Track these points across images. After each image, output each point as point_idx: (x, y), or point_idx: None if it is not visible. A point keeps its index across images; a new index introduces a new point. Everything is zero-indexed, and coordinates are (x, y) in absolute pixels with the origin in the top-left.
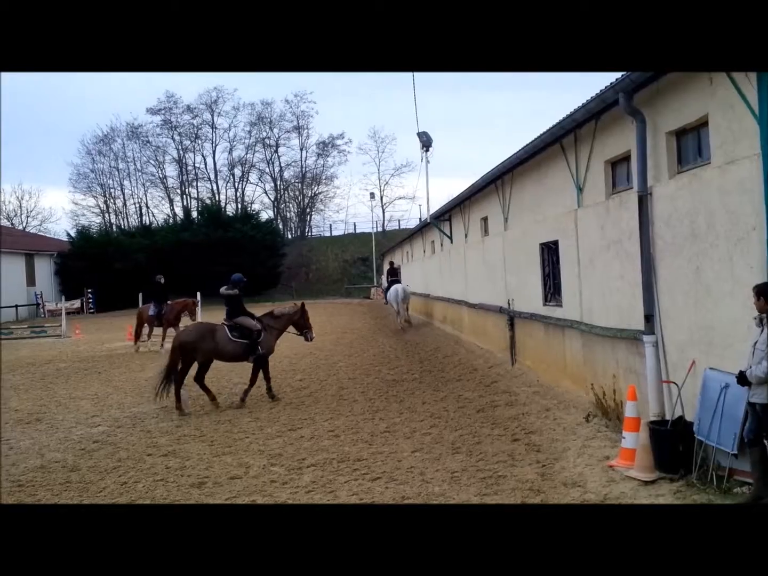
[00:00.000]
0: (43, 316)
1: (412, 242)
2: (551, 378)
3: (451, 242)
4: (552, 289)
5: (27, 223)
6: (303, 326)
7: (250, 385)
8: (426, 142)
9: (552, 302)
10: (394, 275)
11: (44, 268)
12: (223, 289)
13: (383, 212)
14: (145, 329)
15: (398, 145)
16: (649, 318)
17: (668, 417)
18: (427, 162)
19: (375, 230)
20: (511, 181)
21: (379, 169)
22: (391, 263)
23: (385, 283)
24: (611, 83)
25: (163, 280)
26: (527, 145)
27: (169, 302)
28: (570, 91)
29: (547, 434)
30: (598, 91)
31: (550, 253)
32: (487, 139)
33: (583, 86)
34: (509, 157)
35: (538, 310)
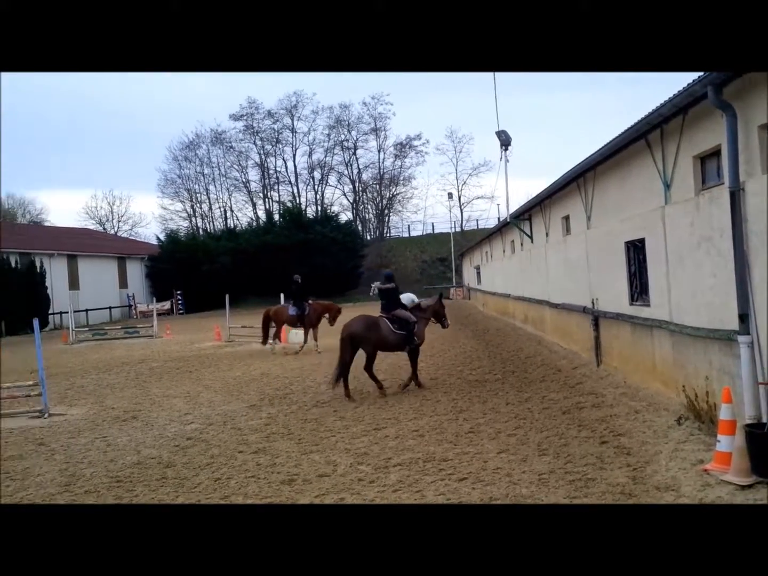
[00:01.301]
0: (135, 317)
1: (492, 242)
2: (639, 379)
3: (532, 242)
4: (638, 288)
5: (118, 227)
6: (441, 315)
7: (414, 372)
8: (505, 140)
9: (639, 302)
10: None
11: (135, 271)
12: (378, 284)
13: (461, 212)
14: (268, 328)
15: (476, 144)
16: (743, 318)
17: (765, 419)
18: (506, 161)
19: (453, 230)
20: (594, 178)
21: (456, 169)
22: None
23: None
24: (699, 77)
25: (300, 280)
26: (610, 141)
27: (310, 302)
28: (647, 89)
29: (636, 437)
30: (686, 85)
31: (636, 251)
32: (565, 137)
33: (664, 84)
34: (592, 155)
35: (624, 309)
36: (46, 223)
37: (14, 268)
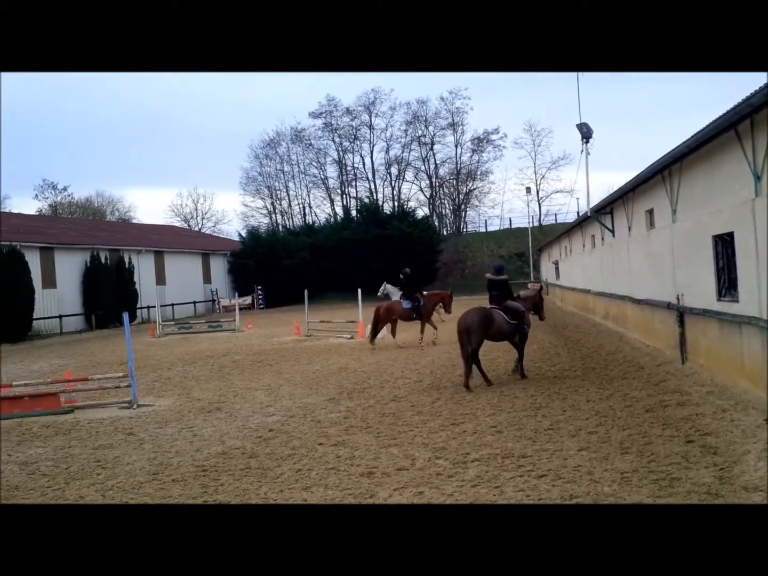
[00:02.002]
0: (218, 311)
1: (571, 237)
2: (727, 377)
3: (614, 236)
4: (726, 283)
5: (202, 224)
6: (540, 307)
7: (520, 360)
8: (586, 133)
9: (727, 297)
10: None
11: (218, 267)
12: (490, 276)
13: (539, 207)
14: (381, 324)
15: (555, 137)
16: None
17: None
18: (587, 154)
19: (531, 225)
20: (680, 171)
21: (535, 163)
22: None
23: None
24: None
25: (410, 272)
26: (698, 132)
27: (424, 293)
28: (733, 79)
29: (723, 436)
30: None
31: (724, 245)
32: (647, 129)
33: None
34: (678, 146)
35: (711, 305)
36: (134, 221)
37: (104, 264)
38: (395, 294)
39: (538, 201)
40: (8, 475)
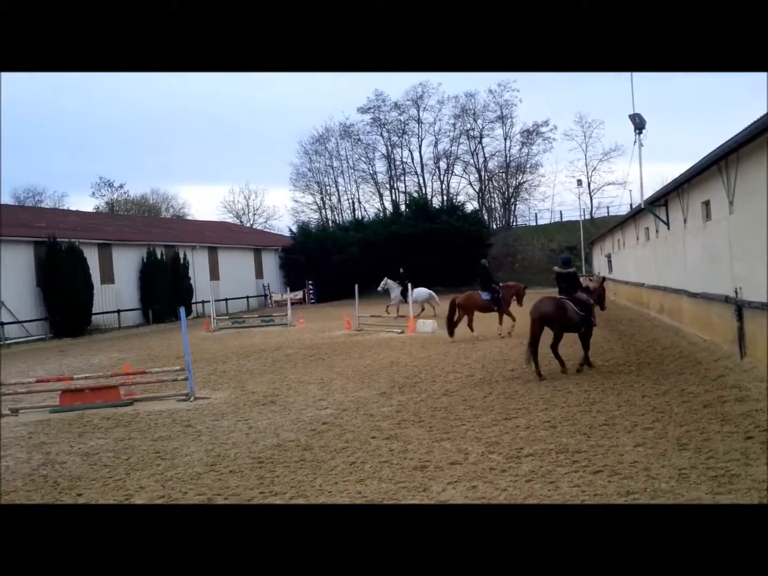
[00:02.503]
0: (270, 306)
1: (624, 229)
2: None
3: (668, 228)
4: None
5: (254, 220)
6: (603, 298)
7: (587, 351)
8: (639, 124)
9: None
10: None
11: (270, 262)
12: (558, 269)
13: (591, 199)
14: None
15: (606, 129)
16: None
17: None
18: (640, 145)
19: (582, 218)
20: (737, 161)
21: (586, 155)
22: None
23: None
24: None
25: (487, 264)
26: (755, 122)
27: (500, 285)
28: None
29: None
30: None
31: None
32: (701, 120)
33: None
34: (734, 137)
35: None
36: (188, 217)
37: (160, 259)
38: (395, 289)
39: (590, 193)
40: (71, 465)
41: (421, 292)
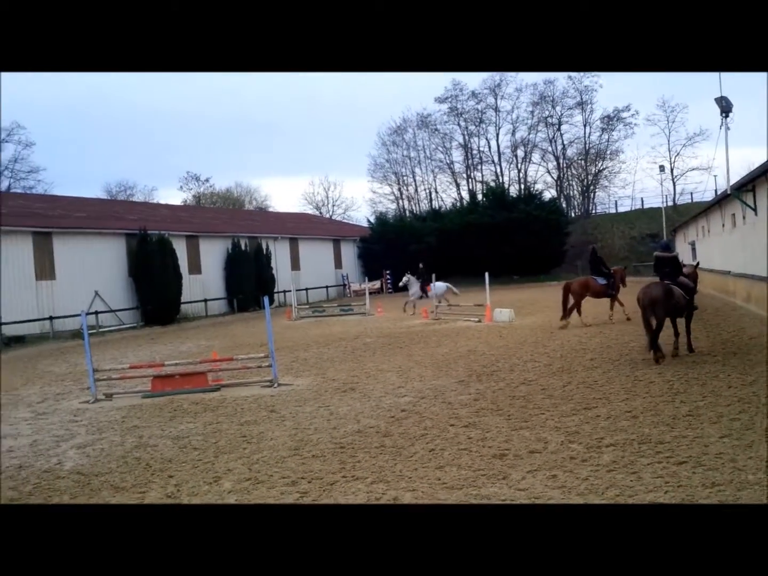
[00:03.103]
0: (348, 295)
1: (709, 216)
2: None
3: (756, 214)
4: None
5: (333, 211)
6: (695, 282)
7: (689, 336)
8: (725, 107)
9: None
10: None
11: (349, 252)
12: (659, 253)
13: (674, 185)
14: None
15: (690, 113)
16: None
17: None
18: (727, 129)
19: (665, 205)
20: None
21: (669, 140)
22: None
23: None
24: None
25: (597, 250)
26: None
27: (612, 269)
28: None
29: None
30: None
31: None
32: None
33: None
34: None
35: None
36: (270, 209)
37: (245, 250)
38: (414, 285)
39: (673, 179)
40: (162, 448)
41: (440, 286)
